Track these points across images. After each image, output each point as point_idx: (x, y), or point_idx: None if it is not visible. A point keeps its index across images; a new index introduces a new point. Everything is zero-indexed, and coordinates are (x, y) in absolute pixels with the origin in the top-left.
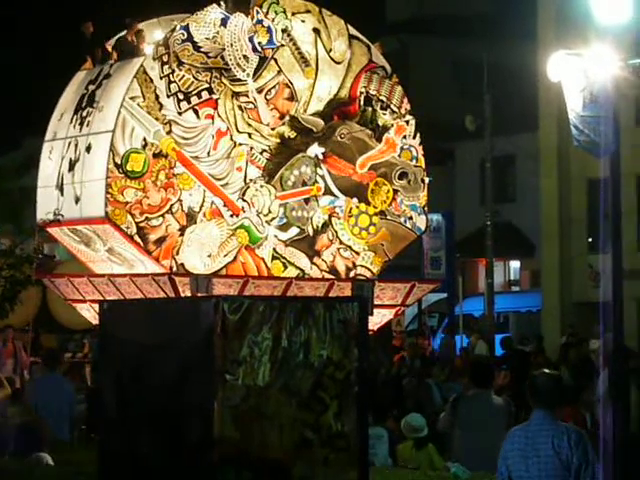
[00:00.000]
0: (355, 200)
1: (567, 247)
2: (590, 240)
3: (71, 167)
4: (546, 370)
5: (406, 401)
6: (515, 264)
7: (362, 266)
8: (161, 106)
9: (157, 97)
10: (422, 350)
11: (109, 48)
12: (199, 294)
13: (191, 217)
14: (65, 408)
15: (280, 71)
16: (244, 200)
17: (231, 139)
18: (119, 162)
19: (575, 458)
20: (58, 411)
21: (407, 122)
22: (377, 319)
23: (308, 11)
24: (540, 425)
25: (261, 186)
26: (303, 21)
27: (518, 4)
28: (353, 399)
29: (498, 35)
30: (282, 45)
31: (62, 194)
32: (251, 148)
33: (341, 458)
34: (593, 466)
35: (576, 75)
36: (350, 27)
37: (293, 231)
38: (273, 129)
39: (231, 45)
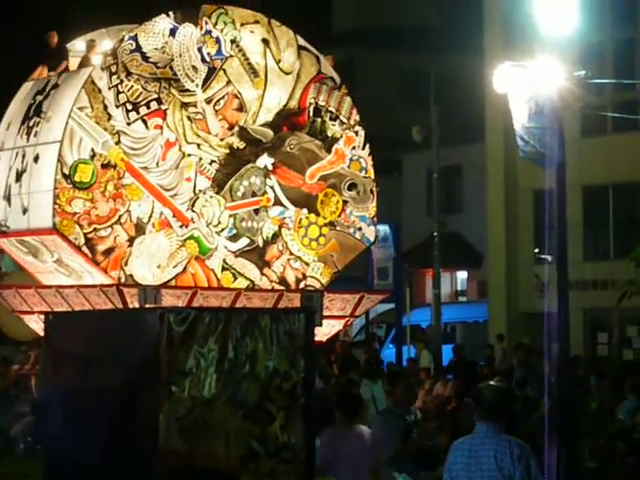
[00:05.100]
0: (305, 211)
1: (514, 258)
2: (536, 251)
3: (18, 177)
4: (492, 382)
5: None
6: (462, 275)
7: (312, 277)
8: (110, 116)
9: (105, 107)
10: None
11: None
12: (147, 305)
13: (140, 228)
14: None
15: (229, 82)
16: (193, 211)
17: (180, 150)
18: (67, 173)
19: (517, 473)
20: None
21: (356, 133)
22: (326, 330)
23: (257, 22)
24: (483, 438)
25: (210, 197)
26: (252, 32)
27: (465, 16)
28: (300, 410)
29: (445, 46)
30: (231, 56)
31: (9, 205)
32: (200, 159)
33: (287, 469)
34: None
35: (522, 86)
36: (299, 38)
37: (243, 242)
38: (222, 140)
39: (180, 55)
